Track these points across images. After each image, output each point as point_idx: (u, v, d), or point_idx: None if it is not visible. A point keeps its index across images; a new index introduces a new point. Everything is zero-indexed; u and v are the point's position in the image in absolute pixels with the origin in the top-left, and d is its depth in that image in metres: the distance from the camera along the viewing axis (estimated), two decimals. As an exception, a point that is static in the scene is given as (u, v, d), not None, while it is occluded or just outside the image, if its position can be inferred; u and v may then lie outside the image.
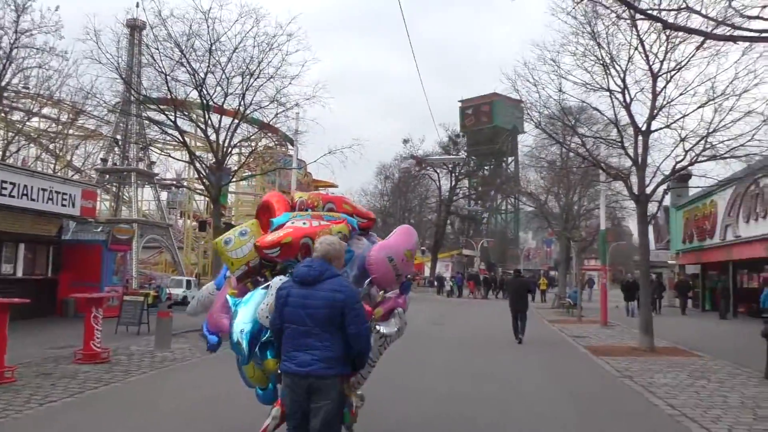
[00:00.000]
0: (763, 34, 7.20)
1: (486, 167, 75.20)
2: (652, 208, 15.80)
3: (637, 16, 11.75)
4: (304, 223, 4.91)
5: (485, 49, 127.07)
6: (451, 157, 42.13)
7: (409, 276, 5.65)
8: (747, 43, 13.01)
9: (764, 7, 7.19)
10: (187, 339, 14.99)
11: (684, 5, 7.80)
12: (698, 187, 16.25)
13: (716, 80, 13.96)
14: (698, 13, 7.84)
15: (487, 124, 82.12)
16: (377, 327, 4.91)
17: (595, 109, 15.08)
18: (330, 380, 4.00)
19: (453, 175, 55.36)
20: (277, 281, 4.58)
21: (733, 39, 7.54)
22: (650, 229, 25.55)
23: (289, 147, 32.15)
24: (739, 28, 7.38)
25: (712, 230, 29.35)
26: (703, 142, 14.21)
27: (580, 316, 24.33)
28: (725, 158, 14.20)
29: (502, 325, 18.16)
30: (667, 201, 34.11)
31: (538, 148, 36.13)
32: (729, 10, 7.83)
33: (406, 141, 55.33)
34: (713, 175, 16.12)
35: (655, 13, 9.86)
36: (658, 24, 13.88)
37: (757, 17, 7.12)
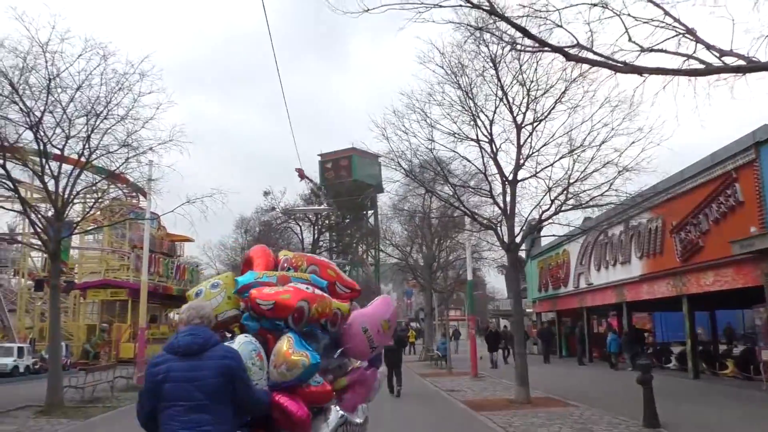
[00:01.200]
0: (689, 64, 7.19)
1: (347, 220, 75.28)
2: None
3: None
4: (307, 288, 4.54)
5: (340, 107, 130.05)
6: (317, 208, 41.43)
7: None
8: (604, 96, 13.67)
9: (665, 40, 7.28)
10: (16, 418, 12.62)
11: (577, 42, 7.65)
12: (553, 235, 16.83)
13: (577, 132, 14.45)
14: (590, 49, 7.73)
15: (346, 178, 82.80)
16: (338, 408, 4.54)
17: (464, 158, 15.12)
18: None
19: (315, 227, 54.56)
20: (242, 338, 4.18)
21: (639, 71, 7.51)
22: (502, 280, 26.58)
23: (141, 198, 29.77)
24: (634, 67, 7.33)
25: (566, 278, 30.81)
26: (565, 192, 14.59)
27: (450, 369, 24.05)
28: (587, 207, 14.62)
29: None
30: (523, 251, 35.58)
31: (401, 200, 36.88)
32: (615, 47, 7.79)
33: (267, 193, 53.83)
34: (571, 224, 16.55)
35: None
36: (520, 77, 14.39)
37: (658, 50, 7.18)
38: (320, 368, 4.26)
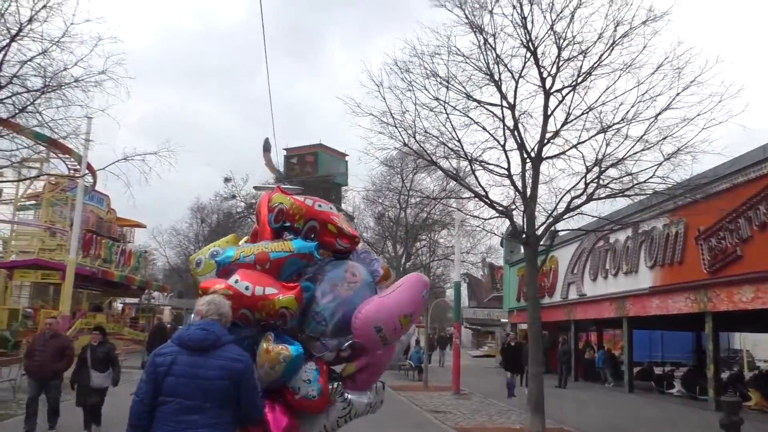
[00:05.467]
0: None
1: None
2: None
3: None
4: (248, 288, 4.00)
5: (309, 105, 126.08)
6: (288, 187, 38.13)
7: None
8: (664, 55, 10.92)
9: None
10: None
11: None
12: (578, 229, 13.85)
13: (619, 102, 11.59)
14: None
15: (312, 174, 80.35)
16: (346, 393, 4.19)
17: (480, 125, 12.11)
18: None
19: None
20: None
21: None
22: (464, 287, 23.57)
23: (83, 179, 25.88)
24: None
25: (552, 288, 28.17)
26: (599, 176, 11.73)
27: (426, 382, 21.03)
28: (628, 195, 11.78)
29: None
30: (528, 251, 33.01)
31: (376, 192, 33.91)
32: None
33: (227, 179, 50.24)
34: (599, 216, 13.67)
35: None
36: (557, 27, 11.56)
37: None
38: (332, 348, 4.04)
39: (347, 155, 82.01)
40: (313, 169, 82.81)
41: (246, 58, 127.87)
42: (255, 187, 27.35)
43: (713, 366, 16.38)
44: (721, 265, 15.52)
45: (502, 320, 37.60)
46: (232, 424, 3.62)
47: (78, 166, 27.47)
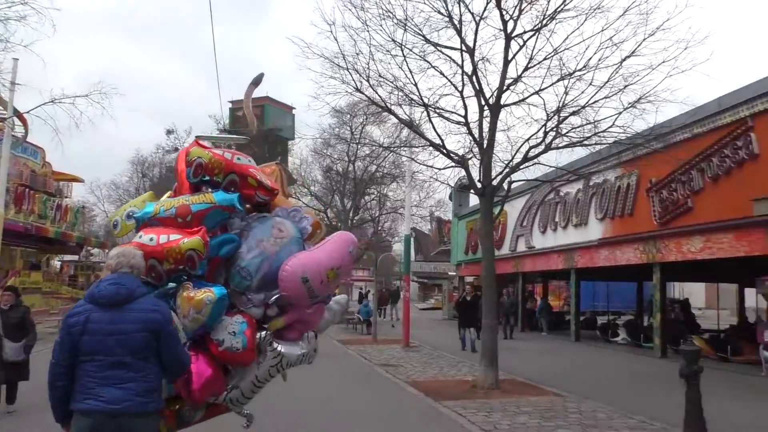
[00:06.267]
0: None
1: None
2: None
3: None
4: (152, 239, 3.93)
5: (255, 56, 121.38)
6: (232, 137, 36.81)
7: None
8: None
9: None
10: None
11: None
12: (534, 180, 13.34)
13: (582, 48, 11.12)
14: None
15: (258, 127, 78.29)
16: (275, 344, 4.09)
17: (438, 70, 11.45)
18: (149, 418, 3.48)
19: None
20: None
21: None
22: (412, 241, 23.27)
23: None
24: None
25: (500, 241, 28.16)
26: (557, 125, 11.35)
27: (375, 336, 20.80)
28: (587, 145, 11.47)
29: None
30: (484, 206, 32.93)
31: (323, 142, 33.03)
32: None
33: (170, 131, 48.32)
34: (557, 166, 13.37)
35: None
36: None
37: None
38: (257, 302, 4.03)
39: (294, 108, 79.82)
40: (260, 122, 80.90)
41: (191, 6, 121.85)
42: (197, 137, 25.96)
43: (660, 315, 16.61)
44: (672, 216, 15.57)
45: (450, 273, 37.73)
46: (158, 375, 3.52)
47: (5, 113, 25.57)
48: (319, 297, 4.26)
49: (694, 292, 36.83)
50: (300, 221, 4.46)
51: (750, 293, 26.65)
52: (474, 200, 37.30)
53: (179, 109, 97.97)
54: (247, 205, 4.39)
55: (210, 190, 4.29)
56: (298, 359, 4.30)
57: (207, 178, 4.31)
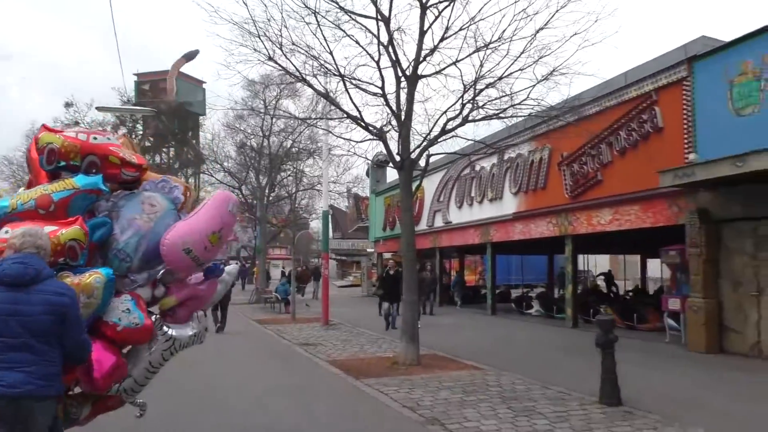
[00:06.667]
0: None
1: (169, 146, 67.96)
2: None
3: None
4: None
5: (163, 28, 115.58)
6: (139, 108, 34.99)
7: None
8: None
9: None
10: None
11: None
12: (453, 153, 13.17)
13: (497, 20, 11.07)
14: None
15: (166, 101, 74.86)
16: (165, 328, 4.13)
17: (353, 38, 11.06)
18: (48, 402, 3.39)
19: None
20: None
21: None
22: (329, 218, 23.05)
23: None
24: None
25: (417, 217, 28.28)
26: (474, 98, 11.27)
27: (293, 315, 20.41)
28: (503, 118, 11.45)
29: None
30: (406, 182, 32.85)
31: (237, 113, 31.97)
32: None
33: (69, 104, 45.28)
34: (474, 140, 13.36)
35: None
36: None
37: None
38: (142, 282, 3.98)
39: (205, 83, 76.64)
40: (168, 96, 77.18)
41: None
42: (98, 108, 24.45)
43: (572, 286, 17.13)
44: (582, 189, 16.00)
45: (369, 250, 37.68)
46: (59, 360, 3.43)
47: None
48: (206, 263, 4.26)
49: (600, 264, 38.56)
50: (170, 191, 4.37)
51: (652, 263, 28.24)
52: (391, 176, 37.25)
53: (81, 81, 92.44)
54: (115, 185, 4.22)
55: (70, 175, 4.08)
56: (191, 340, 4.27)
57: (63, 163, 4.08)
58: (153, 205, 4.12)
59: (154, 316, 3.97)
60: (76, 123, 42.66)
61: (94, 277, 3.66)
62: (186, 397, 8.44)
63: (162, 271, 4.06)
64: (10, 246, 3.51)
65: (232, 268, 4.95)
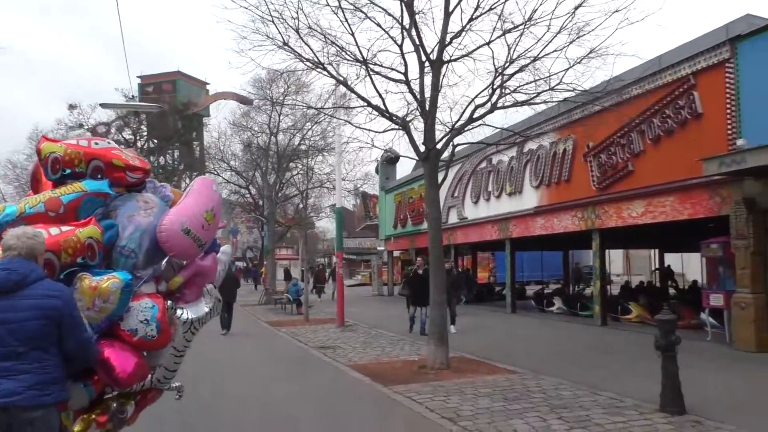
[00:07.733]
0: None
1: (174, 144, 67.46)
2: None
3: None
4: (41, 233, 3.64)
5: (168, 29, 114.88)
6: (143, 104, 34.41)
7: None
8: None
9: None
10: None
11: None
12: (479, 142, 12.16)
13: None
14: None
15: (169, 103, 74.63)
16: (180, 312, 4.09)
17: (374, 21, 10.29)
18: (45, 410, 3.20)
19: (135, 148, 46.41)
20: None
21: None
22: (342, 216, 22.35)
23: None
24: None
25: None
26: (502, 83, 10.49)
27: (307, 316, 19.68)
28: (536, 103, 10.68)
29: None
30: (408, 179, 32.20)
31: (243, 115, 31.28)
32: None
33: (72, 106, 44.65)
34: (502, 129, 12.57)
35: None
36: None
37: None
38: (148, 278, 3.93)
39: (208, 84, 76.08)
40: (171, 98, 76.84)
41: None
42: (102, 105, 23.80)
43: (599, 282, 16.34)
44: (611, 181, 15.20)
45: (379, 248, 36.88)
46: (57, 366, 3.31)
47: None
48: (206, 243, 4.29)
49: (614, 260, 37.74)
50: (159, 190, 4.45)
51: (668, 258, 27.43)
52: (401, 173, 36.53)
53: (85, 84, 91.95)
54: (121, 189, 4.22)
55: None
56: (207, 316, 4.35)
57: (68, 171, 4.05)
58: (147, 202, 4.17)
59: (167, 302, 3.94)
60: (80, 125, 42.00)
61: (112, 281, 3.60)
62: (203, 411, 7.71)
63: (165, 261, 4.08)
64: (9, 245, 3.39)
65: (226, 248, 4.94)
